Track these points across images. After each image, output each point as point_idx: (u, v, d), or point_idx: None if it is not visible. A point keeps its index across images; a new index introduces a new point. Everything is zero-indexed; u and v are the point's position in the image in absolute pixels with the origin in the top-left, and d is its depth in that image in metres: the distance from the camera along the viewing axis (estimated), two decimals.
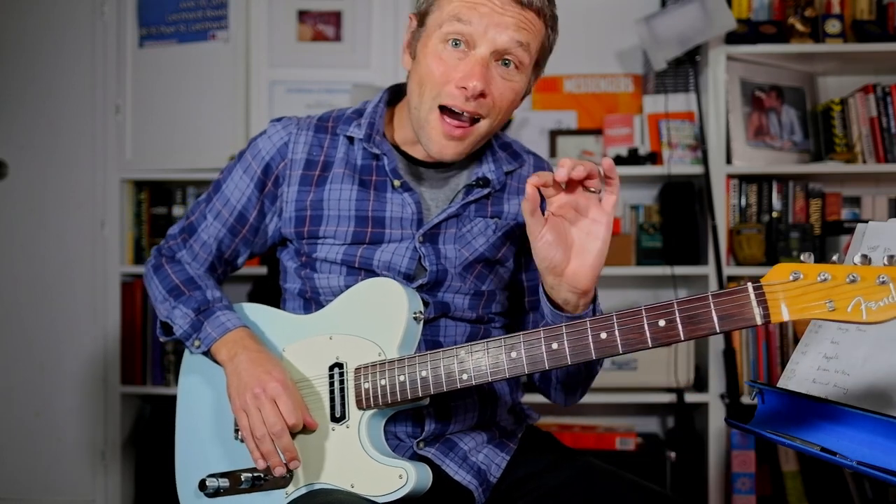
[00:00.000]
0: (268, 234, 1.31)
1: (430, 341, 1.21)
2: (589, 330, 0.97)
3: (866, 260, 0.83)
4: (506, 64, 1.14)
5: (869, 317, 0.81)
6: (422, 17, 1.18)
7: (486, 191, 1.25)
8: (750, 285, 0.88)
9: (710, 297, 0.90)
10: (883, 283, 0.81)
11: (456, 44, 1.12)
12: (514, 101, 1.18)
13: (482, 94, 1.12)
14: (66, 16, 2.72)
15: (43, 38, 2.73)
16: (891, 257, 0.82)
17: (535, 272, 1.32)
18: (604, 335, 0.96)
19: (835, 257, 0.87)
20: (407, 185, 1.23)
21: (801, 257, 0.87)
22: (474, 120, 1.15)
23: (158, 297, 1.28)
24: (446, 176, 1.28)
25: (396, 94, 1.32)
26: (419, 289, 1.19)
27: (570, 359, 0.98)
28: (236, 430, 1.21)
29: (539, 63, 1.21)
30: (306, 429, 1.14)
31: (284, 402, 1.11)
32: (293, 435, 1.12)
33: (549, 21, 1.18)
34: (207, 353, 1.22)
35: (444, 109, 1.14)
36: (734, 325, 0.89)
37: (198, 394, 1.28)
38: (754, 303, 0.87)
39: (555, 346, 0.98)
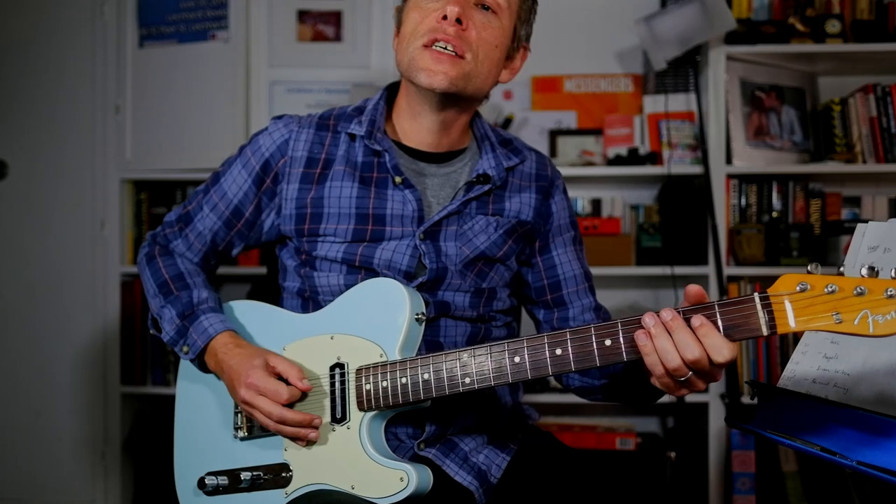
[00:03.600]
0: (263, 229, 1.31)
1: (430, 341, 1.21)
2: (593, 336, 0.97)
3: (874, 272, 0.82)
4: (485, 9, 1.19)
5: (876, 330, 0.81)
6: None
7: (486, 187, 1.26)
8: (756, 295, 0.88)
9: (716, 307, 0.90)
10: (891, 296, 0.80)
11: None
12: (496, 47, 1.21)
13: (460, 23, 1.16)
14: (66, 16, 2.72)
15: (43, 38, 2.73)
16: None
17: (539, 272, 1.32)
18: (608, 342, 0.96)
19: (842, 268, 0.86)
20: (408, 181, 1.23)
21: (808, 268, 0.86)
22: (458, 56, 1.17)
23: (150, 291, 1.29)
24: (448, 171, 1.28)
25: (395, 91, 1.32)
26: (419, 287, 1.19)
27: (574, 365, 0.98)
28: (236, 429, 1.21)
29: (521, 20, 1.25)
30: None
31: (267, 388, 1.11)
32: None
33: None
34: (195, 362, 1.23)
35: (429, 48, 1.17)
36: (740, 334, 0.89)
37: (197, 393, 1.28)
38: (761, 313, 0.87)
39: (558, 351, 0.98)
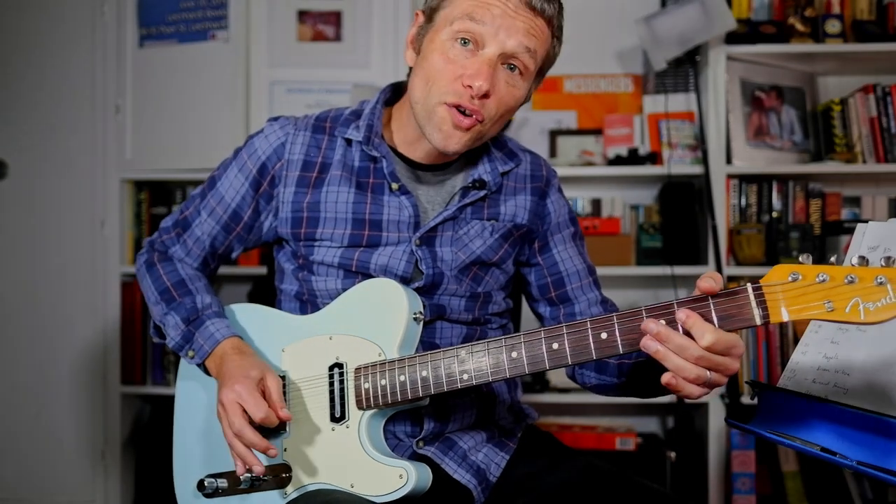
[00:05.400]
0: (262, 231, 1.31)
1: (427, 343, 1.21)
2: (590, 330, 0.97)
3: (864, 261, 0.83)
4: (511, 69, 1.14)
5: (867, 317, 0.82)
6: (431, 13, 1.17)
7: (482, 193, 1.25)
8: (749, 286, 0.89)
9: (710, 298, 0.91)
10: (881, 283, 0.81)
11: (464, 42, 1.12)
12: (513, 108, 1.18)
13: (486, 95, 1.12)
14: (66, 16, 2.72)
15: (43, 38, 2.73)
16: (888, 258, 0.82)
17: (541, 270, 1.32)
18: (604, 335, 0.96)
19: (833, 258, 0.87)
20: (404, 187, 1.22)
21: (800, 258, 0.87)
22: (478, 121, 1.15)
23: (151, 299, 1.28)
24: (443, 178, 1.27)
25: (395, 93, 1.31)
26: (415, 291, 1.19)
27: (571, 359, 0.98)
28: None
29: (541, 72, 1.22)
30: (303, 426, 1.14)
31: (248, 400, 1.09)
32: (284, 430, 1.13)
33: (557, 32, 1.19)
34: (200, 366, 1.22)
35: (451, 107, 1.13)
36: (734, 325, 0.90)
37: (196, 395, 1.28)
38: (754, 303, 0.88)
39: (555, 346, 0.99)
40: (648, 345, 0.92)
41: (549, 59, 1.21)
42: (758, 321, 0.88)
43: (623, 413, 2.73)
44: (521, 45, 1.12)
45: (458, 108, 1.13)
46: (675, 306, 0.92)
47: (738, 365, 0.94)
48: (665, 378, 0.93)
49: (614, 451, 2.46)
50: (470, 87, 1.11)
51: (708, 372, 0.92)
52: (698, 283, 0.92)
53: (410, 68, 1.23)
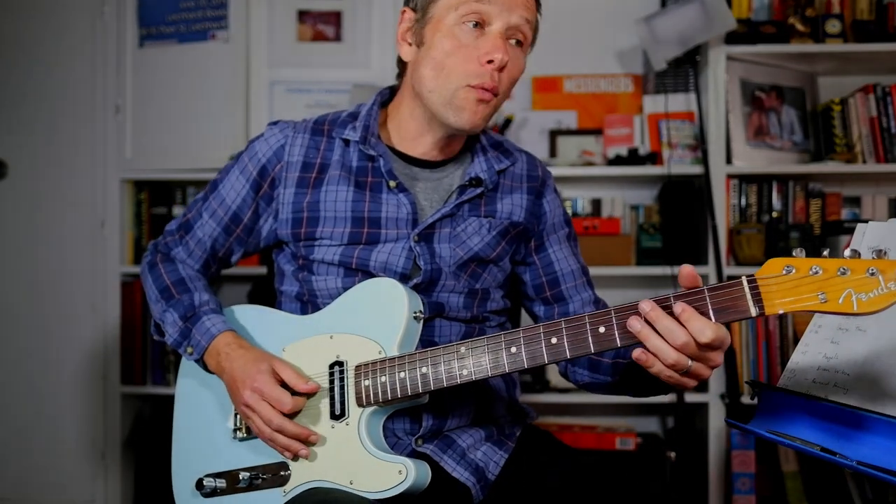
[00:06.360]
0: (262, 234, 1.32)
1: (425, 341, 1.21)
2: (587, 324, 0.98)
3: (856, 254, 0.85)
4: (514, 42, 1.20)
5: (860, 308, 0.83)
6: (425, 7, 1.21)
7: (479, 190, 1.27)
8: (744, 279, 0.90)
9: (706, 291, 0.92)
10: (872, 274, 0.83)
11: (474, 24, 1.17)
12: (517, 79, 1.24)
13: (503, 68, 1.17)
14: (66, 16, 2.73)
15: (43, 38, 2.73)
16: (880, 251, 0.83)
17: (536, 269, 1.33)
18: (602, 329, 0.97)
19: (826, 251, 0.89)
20: (402, 185, 1.24)
21: (794, 252, 0.89)
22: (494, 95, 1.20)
23: (152, 297, 1.30)
24: (440, 176, 1.29)
25: (391, 95, 1.34)
26: (414, 288, 1.20)
27: (570, 353, 0.99)
28: (234, 430, 1.21)
29: (532, 43, 1.27)
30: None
31: (272, 395, 1.12)
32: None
33: (537, 1, 1.26)
34: (200, 362, 1.23)
35: (475, 88, 1.18)
36: (729, 317, 0.91)
37: (196, 394, 1.28)
38: (749, 296, 0.89)
39: (554, 340, 1.00)
40: (633, 323, 0.94)
41: (537, 28, 1.27)
42: (753, 313, 0.89)
43: (623, 413, 2.72)
44: (522, 17, 1.19)
45: (480, 88, 1.17)
46: (672, 300, 0.93)
47: (722, 359, 0.96)
48: (636, 353, 0.95)
49: (614, 451, 2.45)
50: (490, 62, 1.16)
51: (690, 361, 0.93)
52: (681, 282, 0.95)
53: (403, 64, 1.27)
